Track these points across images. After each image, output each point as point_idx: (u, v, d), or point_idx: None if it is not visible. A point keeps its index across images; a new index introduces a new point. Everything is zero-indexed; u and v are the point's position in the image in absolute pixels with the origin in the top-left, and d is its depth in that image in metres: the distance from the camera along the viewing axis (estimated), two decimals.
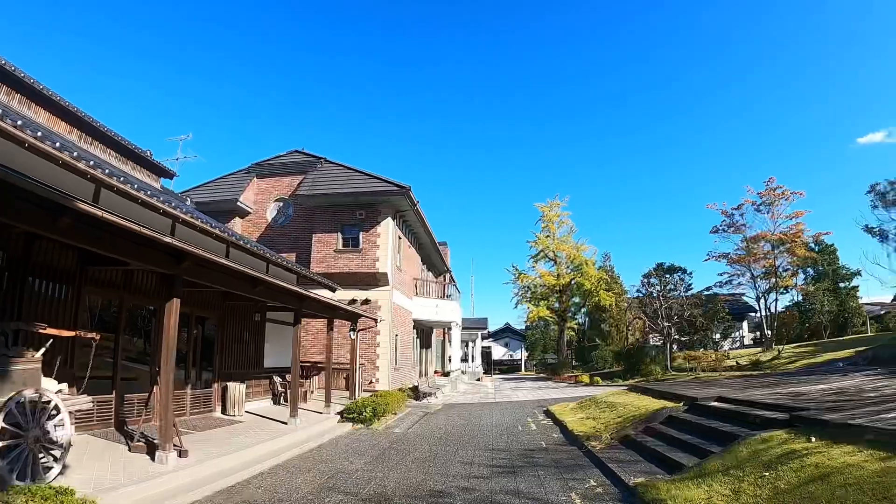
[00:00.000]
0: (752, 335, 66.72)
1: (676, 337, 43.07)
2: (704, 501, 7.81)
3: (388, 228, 27.86)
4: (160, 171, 22.30)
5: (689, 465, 9.94)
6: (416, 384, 31.21)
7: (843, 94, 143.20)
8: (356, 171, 29.45)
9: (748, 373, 31.45)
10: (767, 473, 8.00)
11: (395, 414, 21.36)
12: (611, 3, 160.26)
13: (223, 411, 17.30)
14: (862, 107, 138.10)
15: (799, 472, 7.67)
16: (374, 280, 27.49)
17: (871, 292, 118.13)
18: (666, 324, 40.09)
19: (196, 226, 12.99)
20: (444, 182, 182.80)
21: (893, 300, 60.26)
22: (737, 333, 62.87)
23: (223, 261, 11.14)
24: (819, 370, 27.01)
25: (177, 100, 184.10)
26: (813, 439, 8.90)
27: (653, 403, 17.74)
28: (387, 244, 27.50)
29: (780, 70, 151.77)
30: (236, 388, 17.45)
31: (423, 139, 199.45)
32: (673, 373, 36.61)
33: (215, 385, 17.46)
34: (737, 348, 54.85)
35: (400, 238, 30.55)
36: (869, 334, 51.08)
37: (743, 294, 54.38)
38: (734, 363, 37.17)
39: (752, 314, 64.50)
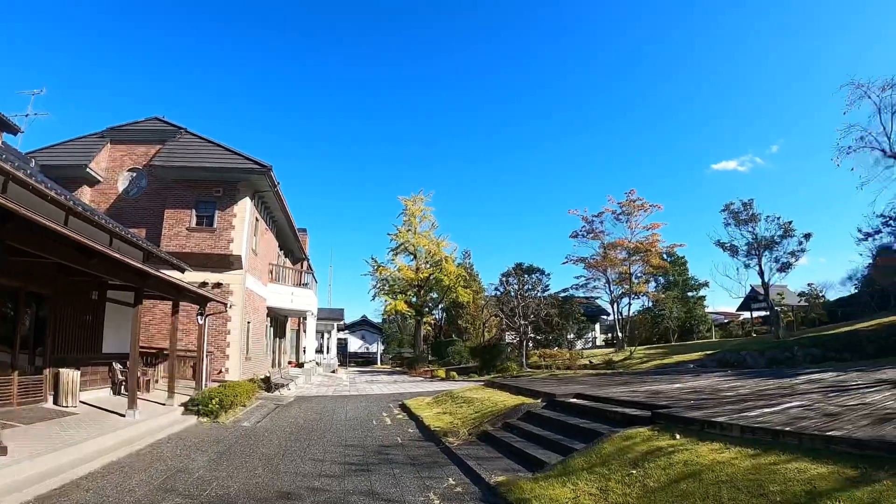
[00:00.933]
0: (604, 336, 69.14)
1: (532, 335, 43.74)
2: (571, 501, 7.45)
3: (245, 209, 26.38)
4: (3, 125, 20.38)
5: (551, 462, 9.64)
6: (268, 375, 30.02)
7: (703, 126, 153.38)
8: (217, 145, 27.53)
9: (602, 371, 32.19)
10: (635, 471, 7.77)
11: (245, 406, 20.28)
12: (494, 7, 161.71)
13: (55, 401, 15.65)
14: (718, 138, 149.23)
15: (667, 469, 7.47)
16: (227, 263, 26.03)
17: (717, 303, 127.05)
18: (523, 322, 40.55)
19: (30, 185, 11.51)
20: (306, 169, 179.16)
21: (737, 310, 64.44)
22: (590, 334, 64.87)
23: (54, 226, 9.90)
24: (671, 370, 28.00)
25: (30, 51, 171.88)
26: (678, 437, 8.79)
27: (510, 399, 17.57)
28: (243, 225, 26.09)
29: (652, 105, 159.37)
30: (70, 376, 15.89)
31: (286, 124, 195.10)
32: (528, 370, 37.04)
33: (46, 371, 15.76)
34: (590, 348, 56.77)
35: (258, 220, 29.18)
36: (714, 340, 54.52)
37: (598, 297, 56.49)
38: (587, 362, 38.17)
39: (605, 317, 66.98)
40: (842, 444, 6.87)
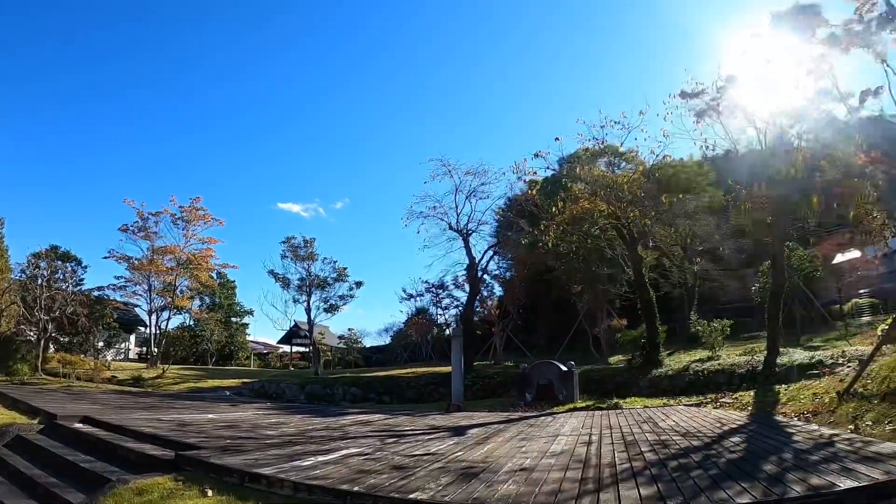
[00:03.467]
0: (139, 350, 63.93)
1: (56, 335, 37.55)
2: None
3: None
4: None
5: None
6: None
7: (277, 165, 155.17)
8: None
9: (129, 389, 28.75)
10: None
11: None
12: None
13: None
14: (288, 180, 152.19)
15: None
16: None
17: (260, 333, 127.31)
18: (44, 317, 34.53)
19: None
20: None
21: (278, 343, 66.48)
22: (124, 345, 59.19)
23: None
24: (207, 396, 25.68)
25: None
26: (210, 493, 6.63)
27: (1, 415, 13.83)
28: None
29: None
30: None
31: None
32: (45, 376, 31.44)
33: None
34: (122, 360, 51.49)
35: None
36: (252, 368, 54.70)
37: (138, 305, 51.11)
38: (113, 376, 33.92)
39: (143, 328, 61.92)
40: None
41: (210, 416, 14.93)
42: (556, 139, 25.18)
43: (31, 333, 36.26)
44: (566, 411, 17.88)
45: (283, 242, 41.57)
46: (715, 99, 18.05)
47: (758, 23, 17.29)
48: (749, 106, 17.94)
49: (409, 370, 34.55)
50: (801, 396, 13.26)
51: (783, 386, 15.61)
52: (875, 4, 12.36)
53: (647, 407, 17.20)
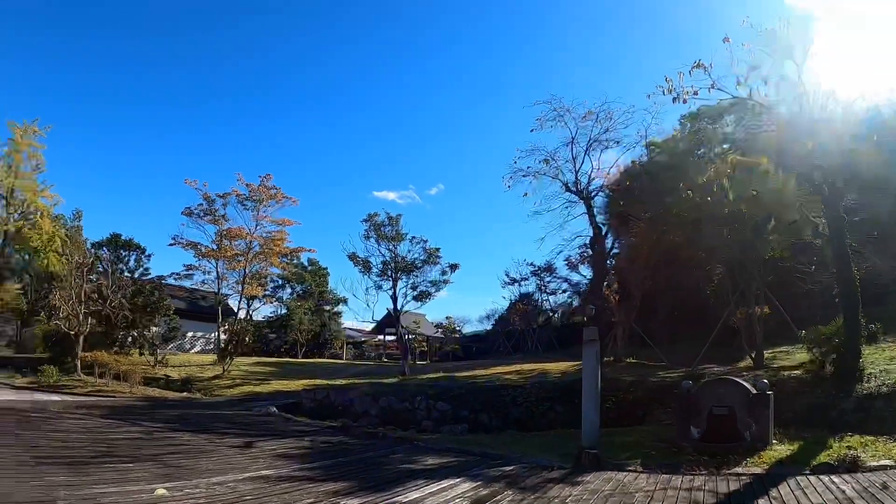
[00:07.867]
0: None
1: (100, 330, 30.10)
2: None
3: None
4: None
5: None
6: None
7: (367, 160, 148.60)
8: None
9: (161, 394, 21.77)
10: None
11: None
12: None
13: None
14: (379, 171, 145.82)
15: None
16: None
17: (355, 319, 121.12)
18: (83, 310, 26.84)
19: None
20: None
21: (371, 331, 59.73)
22: (214, 334, 52.75)
23: None
24: (235, 416, 17.25)
25: None
26: None
27: None
28: None
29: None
30: None
31: None
32: (84, 377, 24.21)
33: None
34: (210, 352, 45.00)
35: None
36: (342, 361, 47.92)
37: (214, 292, 44.09)
38: (166, 375, 26.61)
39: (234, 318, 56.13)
40: None
41: (144, 496, 6.99)
42: (725, 39, 15.58)
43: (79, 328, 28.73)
44: (771, 468, 9.46)
45: (365, 221, 33.44)
46: None
47: None
48: None
49: (513, 368, 26.48)
50: None
51: None
52: None
53: None
